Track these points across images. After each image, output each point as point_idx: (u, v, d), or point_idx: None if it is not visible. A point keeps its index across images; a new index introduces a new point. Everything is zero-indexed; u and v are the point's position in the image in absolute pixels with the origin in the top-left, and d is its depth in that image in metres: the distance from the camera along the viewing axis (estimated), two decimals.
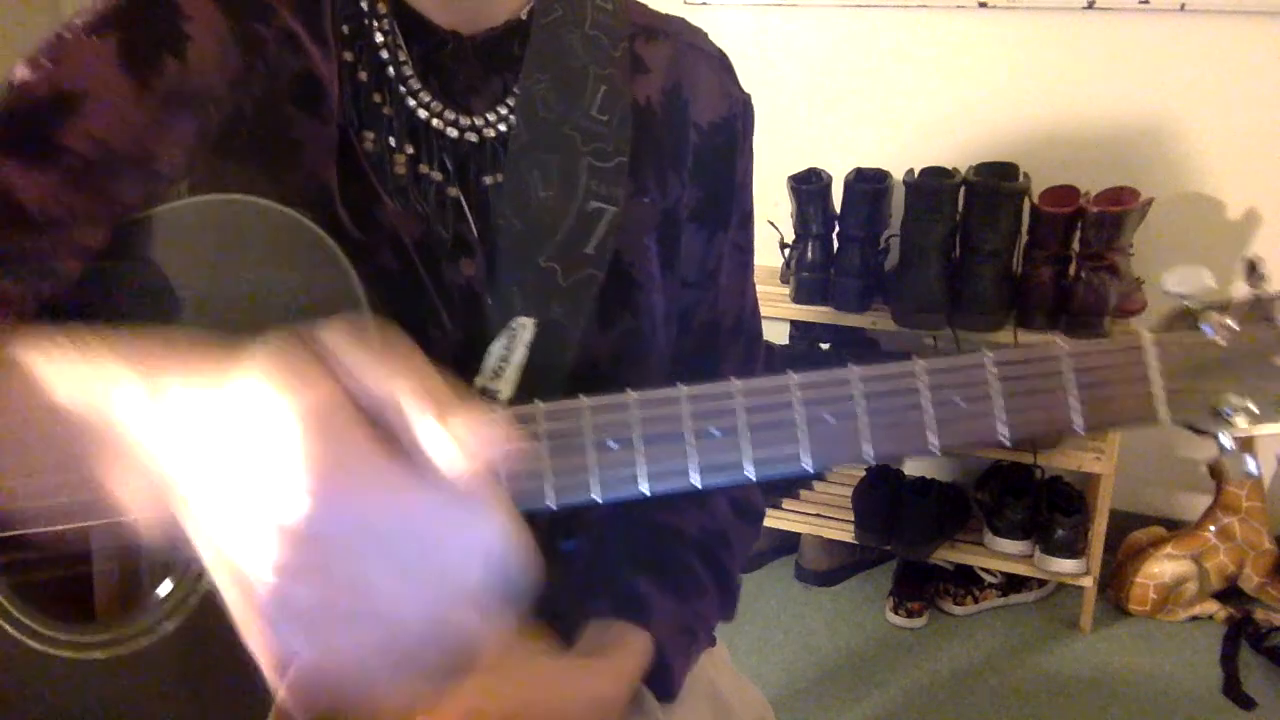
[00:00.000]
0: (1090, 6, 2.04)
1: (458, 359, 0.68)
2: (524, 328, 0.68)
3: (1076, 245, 1.95)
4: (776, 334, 2.33)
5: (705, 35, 0.80)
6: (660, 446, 0.54)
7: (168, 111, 0.61)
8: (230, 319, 0.61)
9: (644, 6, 0.78)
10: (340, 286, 0.60)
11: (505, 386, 0.68)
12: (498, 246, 0.69)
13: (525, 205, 0.69)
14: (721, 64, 0.79)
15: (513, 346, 0.68)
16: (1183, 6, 1.98)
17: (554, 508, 0.53)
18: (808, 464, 0.56)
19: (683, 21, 0.79)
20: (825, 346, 2.26)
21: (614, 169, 0.71)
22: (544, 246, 0.69)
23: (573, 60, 0.71)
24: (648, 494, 0.54)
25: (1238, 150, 2.05)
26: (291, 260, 0.61)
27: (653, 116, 0.74)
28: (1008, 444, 0.56)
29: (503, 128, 0.70)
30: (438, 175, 0.69)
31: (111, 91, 0.60)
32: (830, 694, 1.93)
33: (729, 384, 0.55)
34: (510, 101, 0.70)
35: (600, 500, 0.53)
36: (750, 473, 0.55)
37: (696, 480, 0.54)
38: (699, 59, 0.77)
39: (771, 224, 2.12)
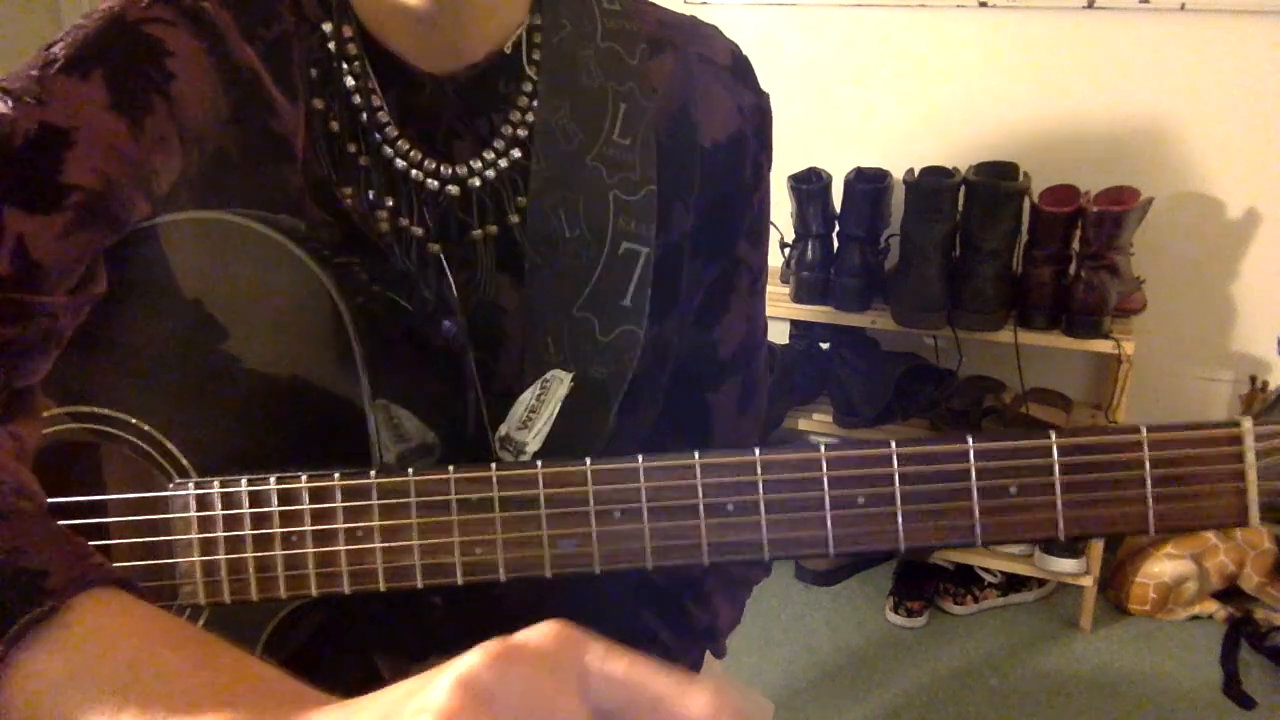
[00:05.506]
0: (1090, 6, 2.04)
1: (447, 417, 0.65)
2: (559, 382, 0.65)
3: (1076, 245, 1.95)
4: (777, 334, 2.33)
5: (716, 36, 0.73)
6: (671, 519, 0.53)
7: (160, 147, 0.59)
8: (211, 338, 0.60)
9: (651, 4, 0.71)
10: (324, 309, 0.58)
11: (533, 440, 0.64)
12: (526, 293, 0.65)
13: (553, 248, 0.65)
14: (734, 73, 0.71)
15: (544, 399, 0.64)
16: (1183, 6, 1.98)
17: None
18: (830, 548, 0.53)
19: (693, 24, 0.72)
20: (825, 346, 2.26)
21: (642, 202, 0.66)
22: (577, 293, 0.65)
23: (589, 80, 0.65)
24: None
25: (1238, 150, 2.04)
26: (275, 281, 0.59)
27: (660, 146, 0.68)
28: (1061, 539, 0.50)
29: (490, 174, 0.65)
30: (418, 230, 0.65)
31: (105, 130, 0.56)
32: (830, 694, 1.93)
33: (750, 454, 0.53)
34: (498, 145, 0.65)
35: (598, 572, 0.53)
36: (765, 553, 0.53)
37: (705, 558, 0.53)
38: (709, 75, 0.70)
39: (772, 224, 2.12)
